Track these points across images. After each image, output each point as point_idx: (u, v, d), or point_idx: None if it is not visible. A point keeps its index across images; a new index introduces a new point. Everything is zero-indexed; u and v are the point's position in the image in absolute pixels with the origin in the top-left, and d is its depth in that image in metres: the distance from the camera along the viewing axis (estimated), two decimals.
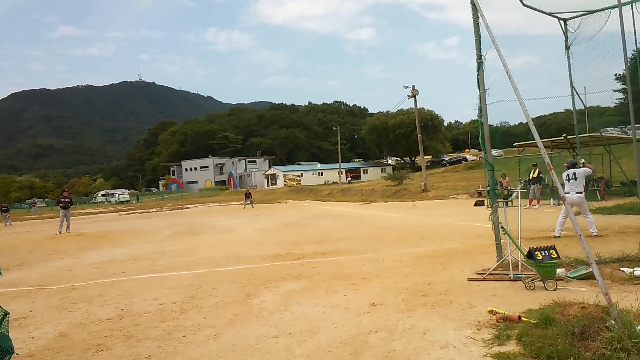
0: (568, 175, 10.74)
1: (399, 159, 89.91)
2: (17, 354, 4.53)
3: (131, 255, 12.70)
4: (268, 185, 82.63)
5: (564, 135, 18.04)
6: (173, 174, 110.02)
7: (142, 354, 4.91)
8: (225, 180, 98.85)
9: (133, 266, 10.87)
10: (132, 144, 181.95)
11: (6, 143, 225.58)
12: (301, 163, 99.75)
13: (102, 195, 79.43)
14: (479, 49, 7.71)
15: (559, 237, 10.43)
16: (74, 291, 8.38)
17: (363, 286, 7.39)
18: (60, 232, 20.96)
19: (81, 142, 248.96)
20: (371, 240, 12.84)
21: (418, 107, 42.12)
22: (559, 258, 6.58)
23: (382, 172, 78.98)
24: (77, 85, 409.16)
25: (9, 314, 4.17)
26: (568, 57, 11.45)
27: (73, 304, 7.39)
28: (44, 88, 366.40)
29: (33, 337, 5.73)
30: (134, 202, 69.54)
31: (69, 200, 22.35)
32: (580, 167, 10.91)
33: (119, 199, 71.36)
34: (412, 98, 39.40)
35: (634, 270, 6.68)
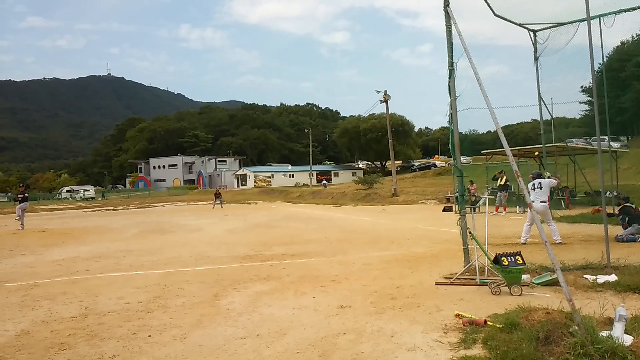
0: (534, 185, 11.03)
1: (369, 163, 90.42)
2: None
3: (96, 253, 12.43)
4: (238, 186, 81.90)
5: (537, 152, 18.79)
6: (140, 172, 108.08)
7: (106, 354, 4.81)
8: (194, 180, 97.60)
9: (98, 264, 10.65)
10: (98, 139, 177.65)
11: None
12: (272, 164, 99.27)
13: (67, 191, 77.27)
14: (451, 56, 7.84)
15: (524, 244, 10.67)
16: (37, 288, 8.16)
17: (332, 288, 7.41)
18: (23, 228, 20.44)
19: (46, 136, 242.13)
20: (341, 243, 12.88)
21: (390, 112, 42.49)
22: (525, 264, 6.72)
23: (352, 175, 79.22)
24: (44, 78, 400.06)
25: None
26: (537, 68, 11.69)
27: (35, 301, 7.19)
28: (9, 79, 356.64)
29: None
30: (99, 199, 67.88)
31: (22, 195, 22.05)
32: (546, 178, 11.22)
33: (84, 195, 69.38)
34: (384, 103, 39.70)
35: (596, 278, 6.86)
